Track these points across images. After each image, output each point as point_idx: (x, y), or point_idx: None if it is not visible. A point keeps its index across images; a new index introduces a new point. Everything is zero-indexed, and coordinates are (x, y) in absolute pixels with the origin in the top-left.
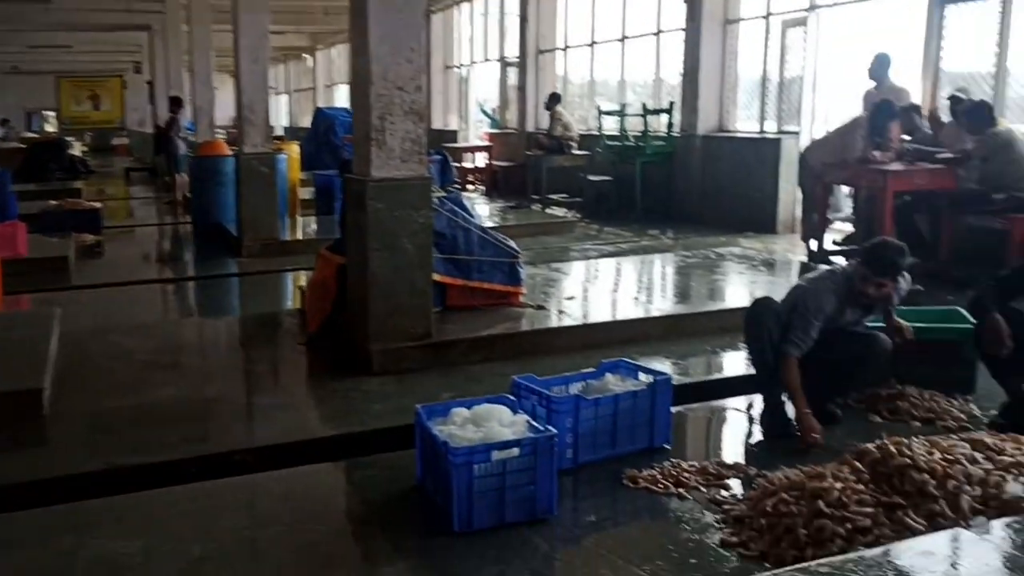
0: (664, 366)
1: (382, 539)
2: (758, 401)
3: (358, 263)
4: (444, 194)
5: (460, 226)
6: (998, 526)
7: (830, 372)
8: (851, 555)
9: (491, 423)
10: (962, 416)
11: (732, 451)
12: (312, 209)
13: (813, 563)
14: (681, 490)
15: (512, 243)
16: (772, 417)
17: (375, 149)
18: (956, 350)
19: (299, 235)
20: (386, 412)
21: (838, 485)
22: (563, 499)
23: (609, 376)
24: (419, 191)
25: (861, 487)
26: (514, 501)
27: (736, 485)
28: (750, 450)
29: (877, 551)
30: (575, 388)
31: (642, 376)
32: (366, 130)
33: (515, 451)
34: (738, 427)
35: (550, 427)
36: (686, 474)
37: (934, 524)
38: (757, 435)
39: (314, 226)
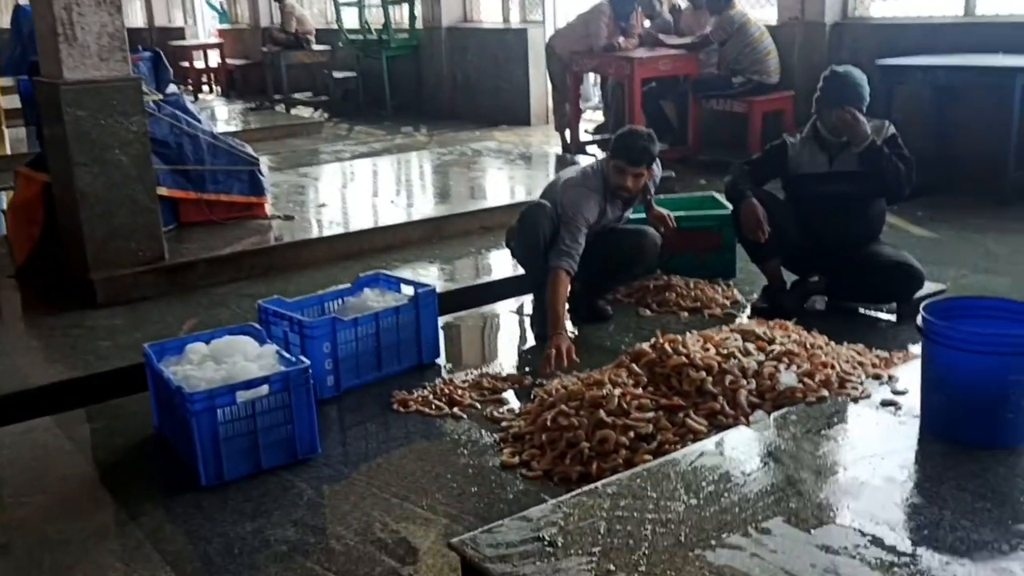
0: (429, 273)
1: (114, 504)
2: (529, 303)
3: (63, 180)
4: (161, 97)
5: (185, 132)
6: (775, 418)
7: (600, 270)
8: (637, 469)
9: (234, 358)
10: (726, 303)
11: (507, 361)
12: (20, 119)
13: (600, 483)
14: (455, 409)
15: (249, 148)
16: (546, 320)
17: (65, 47)
18: (716, 236)
19: (6, 150)
20: (116, 350)
21: (617, 391)
22: (327, 433)
23: (368, 292)
24: (127, 94)
25: (640, 391)
26: (269, 444)
27: (513, 398)
28: (525, 358)
29: (662, 461)
30: (331, 308)
31: (404, 288)
32: (51, 23)
33: (264, 389)
34: (511, 333)
35: (303, 357)
36: (460, 391)
37: (715, 422)
38: (531, 341)
39: (23, 139)
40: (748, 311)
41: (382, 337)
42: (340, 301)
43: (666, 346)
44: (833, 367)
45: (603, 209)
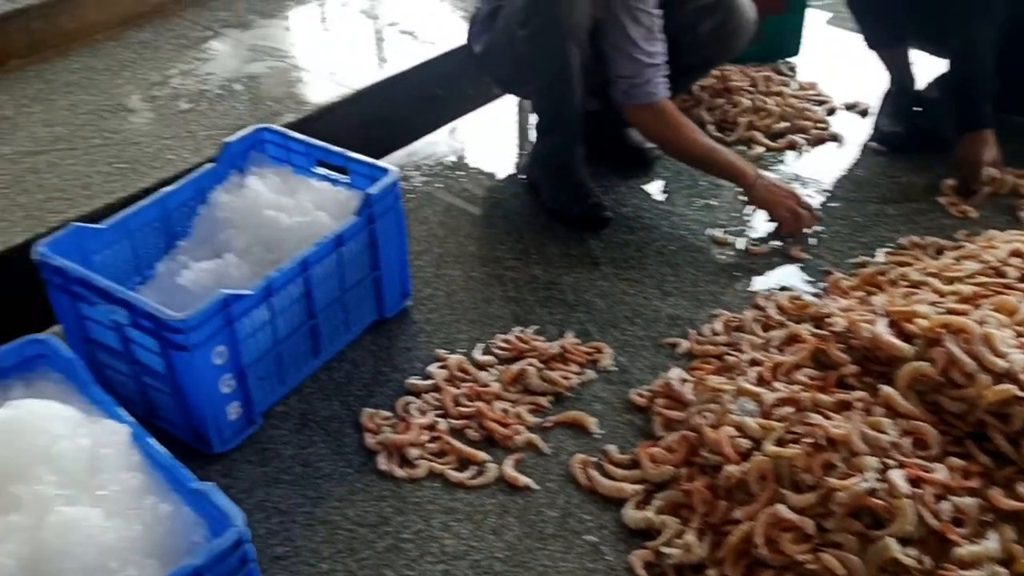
0: (312, 54)
1: None
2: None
3: None
4: None
5: None
6: None
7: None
8: None
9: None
10: (824, 117)
11: (546, 292)
12: None
13: None
14: (510, 465)
15: None
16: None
17: None
18: None
19: None
20: None
21: (901, 481)
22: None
23: (254, 182)
24: None
25: (947, 474)
26: None
27: (612, 412)
28: (583, 266)
29: None
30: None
31: (321, 169)
32: None
33: None
34: (523, 214)
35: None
36: (490, 395)
37: None
38: (574, 237)
39: None
40: (874, 139)
41: (316, 296)
42: (192, 210)
43: (952, 347)
44: None
45: None
